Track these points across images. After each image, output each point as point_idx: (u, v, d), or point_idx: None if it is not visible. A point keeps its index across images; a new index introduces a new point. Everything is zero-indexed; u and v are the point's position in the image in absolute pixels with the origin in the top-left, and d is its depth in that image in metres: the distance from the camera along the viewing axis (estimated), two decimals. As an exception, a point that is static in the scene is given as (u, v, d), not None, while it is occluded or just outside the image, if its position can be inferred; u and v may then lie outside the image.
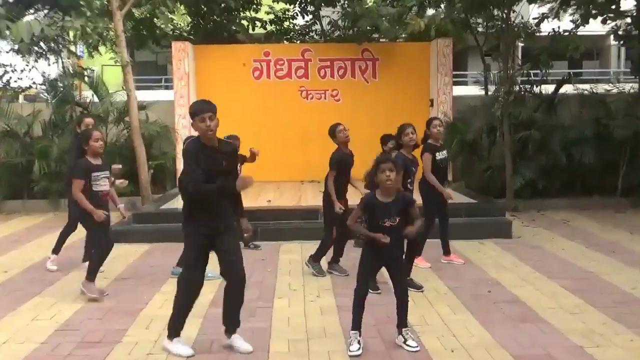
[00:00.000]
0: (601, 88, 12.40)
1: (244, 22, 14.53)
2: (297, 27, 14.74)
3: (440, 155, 6.96)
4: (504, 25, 11.26)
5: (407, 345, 4.66)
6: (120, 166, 6.91)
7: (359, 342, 4.62)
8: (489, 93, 13.07)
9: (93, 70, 13.47)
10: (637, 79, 12.58)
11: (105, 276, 6.81)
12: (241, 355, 4.60)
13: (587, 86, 12.40)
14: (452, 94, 12.24)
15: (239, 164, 6.66)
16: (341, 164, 6.67)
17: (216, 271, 4.93)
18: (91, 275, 6.05)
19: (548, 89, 12.33)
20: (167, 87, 23.02)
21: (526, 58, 12.78)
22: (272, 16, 14.63)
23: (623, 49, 25.27)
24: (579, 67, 25.08)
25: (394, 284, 4.84)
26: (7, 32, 10.22)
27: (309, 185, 11.79)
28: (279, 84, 12.76)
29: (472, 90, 14.84)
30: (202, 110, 4.38)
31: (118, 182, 6.51)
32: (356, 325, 4.71)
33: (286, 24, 14.70)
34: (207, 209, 4.51)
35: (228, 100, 12.43)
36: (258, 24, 14.61)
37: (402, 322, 4.78)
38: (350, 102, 12.72)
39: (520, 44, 16.97)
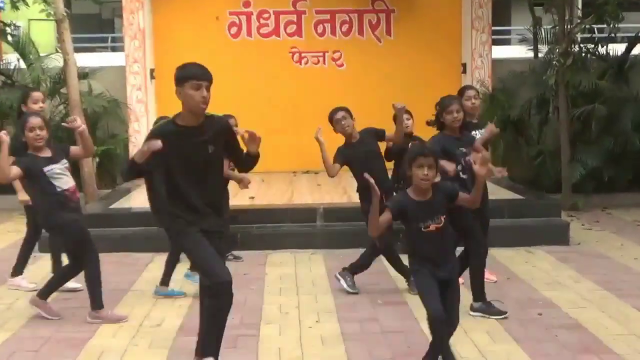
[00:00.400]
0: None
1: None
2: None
3: (478, 134, 7.02)
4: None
5: None
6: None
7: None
8: (540, 55, 13.16)
9: (18, 27, 13.52)
10: None
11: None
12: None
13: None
14: (491, 57, 12.34)
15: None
16: (349, 158, 6.88)
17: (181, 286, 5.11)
18: (45, 294, 6.38)
19: (617, 49, 12.45)
20: (114, 49, 22.97)
21: (589, 8, 12.81)
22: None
23: None
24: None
25: (447, 307, 4.77)
26: None
27: (304, 177, 11.93)
28: (263, 44, 12.89)
29: (518, 51, 14.88)
30: (197, 75, 4.49)
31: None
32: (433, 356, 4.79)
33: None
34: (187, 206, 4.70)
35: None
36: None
37: (433, 356, 4.79)
38: (357, 67, 12.85)
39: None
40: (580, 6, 17.23)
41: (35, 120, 6.11)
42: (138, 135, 12.18)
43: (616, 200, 11.46)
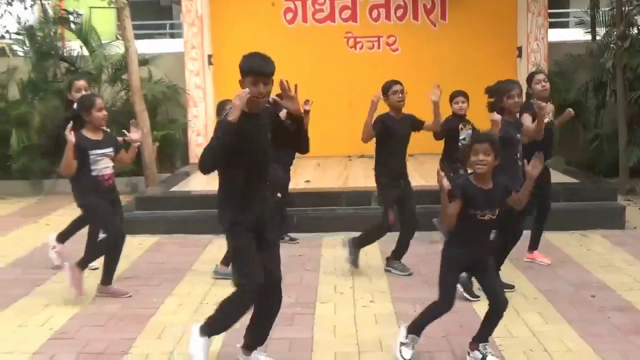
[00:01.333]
0: None
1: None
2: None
3: (547, 118, 7.00)
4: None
5: None
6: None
7: (413, 348, 4.94)
8: (597, 38, 13.03)
9: (80, 15, 13.87)
10: None
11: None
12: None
13: None
14: (547, 40, 12.28)
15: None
16: (387, 130, 6.91)
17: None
18: (84, 264, 6.67)
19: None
20: (172, 35, 23.40)
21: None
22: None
23: None
24: None
25: (487, 290, 4.95)
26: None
27: (358, 162, 12.04)
28: (318, 29, 13.00)
29: (575, 34, 14.74)
30: (255, 70, 4.41)
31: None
32: (416, 329, 4.97)
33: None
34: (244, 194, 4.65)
35: (252, 51, 12.73)
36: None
37: (483, 335, 4.92)
38: (412, 52, 12.89)
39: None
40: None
41: (101, 101, 6.49)
42: (196, 121, 12.46)
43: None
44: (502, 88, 6.39)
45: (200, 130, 12.53)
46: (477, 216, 4.73)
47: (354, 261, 7.25)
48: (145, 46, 13.25)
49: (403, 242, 7.24)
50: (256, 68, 4.41)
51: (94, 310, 6.25)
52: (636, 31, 11.77)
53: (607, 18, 12.67)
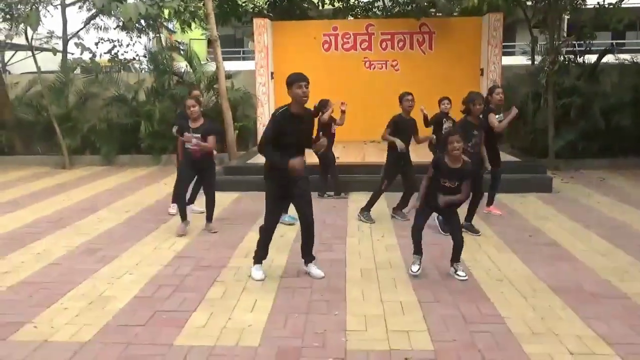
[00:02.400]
0: (632, 58, 12.14)
1: (314, 0, 14.78)
2: (361, 4, 14.86)
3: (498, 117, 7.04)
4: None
5: (457, 275, 5.10)
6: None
7: (419, 264, 5.17)
8: (535, 63, 12.97)
9: (185, 44, 14.05)
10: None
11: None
12: (323, 280, 5.12)
13: (628, 56, 12.14)
14: (501, 64, 12.22)
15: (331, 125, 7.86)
16: (398, 126, 6.98)
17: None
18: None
19: (591, 58, 12.18)
20: (244, 59, 23.54)
21: (571, 30, 12.52)
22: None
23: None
24: (622, 37, 24.14)
25: (451, 231, 5.23)
26: (116, 11, 10.88)
27: (371, 145, 12.14)
28: (345, 55, 13.04)
29: (520, 60, 14.70)
30: (299, 79, 4.79)
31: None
32: (417, 250, 5.21)
33: (352, 0, 14.86)
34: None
35: (301, 69, 12.60)
36: (327, 1, 14.83)
37: (455, 258, 5.19)
38: (409, 71, 12.89)
39: (566, 17, 16.55)
40: (565, 28, 16.84)
41: (189, 101, 6.61)
42: (262, 116, 12.60)
43: (586, 164, 11.32)
44: (471, 98, 6.45)
45: (265, 122, 12.63)
46: (441, 182, 5.03)
47: (368, 218, 7.27)
48: (229, 65, 13.37)
49: (405, 198, 7.33)
50: (300, 78, 4.81)
51: (202, 239, 6.52)
52: (562, 58, 11.71)
53: (542, 49, 12.58)
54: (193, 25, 14.80)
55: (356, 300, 4.65)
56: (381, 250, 6.02)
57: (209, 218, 6.91)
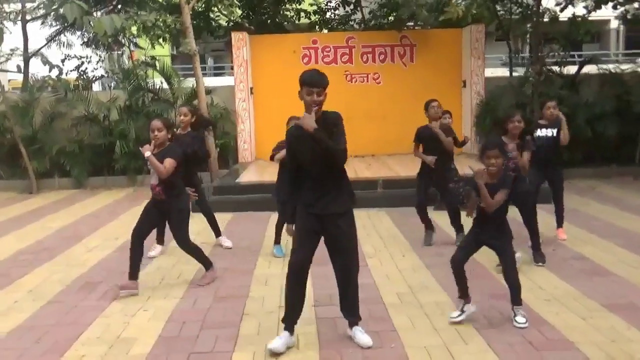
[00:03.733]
0: (613, 68, 12.33)
1: (289, 13, 14.48)
2: (337, 17, 14.65)
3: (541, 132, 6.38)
4: (534, 10, 11.20)
5: (516, 321, 4.25)
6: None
7: (462, 311, 4.37)
8: (514, 74, 13.01)
9: (159, 59, 13.46)
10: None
11: (204, 241, 6.86)
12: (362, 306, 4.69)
13: (611, 66, 12.33)
14: (484, 76, 12.19)
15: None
16: (423, 137, 6.56)
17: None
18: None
19: (570, 69, 12.29)
20: (206, 75, 22.99)
21: (544, 42, 12.63)
22: (315, 7, 14.57)
23: (622, 33, 25.01)
24: (579, 49, 24.84)
25: (504, 268, 4.38)
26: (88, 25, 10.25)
27: (355, 160, 11.85)
28: (326, 69, 12.18)
29: (495, 72, 14.73)
30: (308, 83, 3.83)
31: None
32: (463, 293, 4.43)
33: (328, 14, 14.63)
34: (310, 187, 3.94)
35: (280, 84, 12.46)
36: (302, 14, 14.56)
37: (514, 300, 4.34)
38: (390, 84, 12.69)
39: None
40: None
41: (155, 122, 5.27)
42: (243, 133, 12.16)
43: (573, 173, 11.28)
44: (507, 116, 5.73)
45: (246, 139, 12.22)
46: (479, 203, 4.29)
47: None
48: (208, 81, 12.85)
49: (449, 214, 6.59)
50: (308, 82, 3.83)
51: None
52: (546, 69, 11.76)
53: (522, 60, 12.64)
54: (165, 41, 14.33)
55: (406, 329, 4.27)
56: (409, 272, 5.68)
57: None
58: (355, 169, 10.72)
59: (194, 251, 5.44)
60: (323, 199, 3.92)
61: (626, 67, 12.59)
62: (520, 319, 4.27)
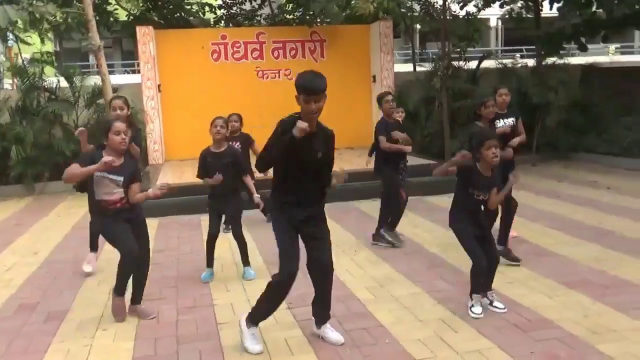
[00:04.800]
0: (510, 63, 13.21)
1: (193, 8, 13.93)
2: (243, 12, 14.31)
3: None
4: (440, 8, 11.67)
5: (495, 306, 4.37)
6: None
7: (481, 305, 4.34)
8: (420, 69, 13.49)
9: (55, 54, 12.40)
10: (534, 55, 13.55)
11: (161, 249, 6.58)
12: (341, 305, 4.61)
13: (506, 61, 13.16)
14: (393, 71, 12.51)
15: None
16: (388, 130, 6.23)
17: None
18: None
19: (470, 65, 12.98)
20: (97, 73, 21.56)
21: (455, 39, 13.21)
22: (220, 1, 14.15)
23: (501, 31, 26.92)
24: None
25: (485, 252, 4.33)
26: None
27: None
28: (236, 65, 12.42)
29: (401, 67, 15.20)
30: (305, 90, 3.57)
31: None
32: (474, 290, 4.37)
33: (234, 8, 14.25)
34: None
35: (189, 81, 12.02)
36: (207, 9, 14.07)
37: (488, 284, 4.43)
38: (301, 79, 12.65)
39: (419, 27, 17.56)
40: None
41: (119, 124, 4.33)
42: (153, 133, 11.53)
43: (479, 161, 11.97)
44: (482, 102, 5.67)
45: (156, 139, 11.59)
46: (474, 196, 4.30)
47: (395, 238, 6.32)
48: (113, 79, 12.00)
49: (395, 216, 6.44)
50: (306, 90, 3.56)
51: (157, 276, 5.62)
52: (455, 64, 12.27)
53: (429, 55, 13.13)
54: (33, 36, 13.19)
55: (393, 324, 4.25)
56: (368, 265, 5.68)
57: (136, 299, 4.65)
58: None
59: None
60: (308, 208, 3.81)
61: (507, 62, 13.45)
62: (498, 304, 4.40)
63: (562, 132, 12.33)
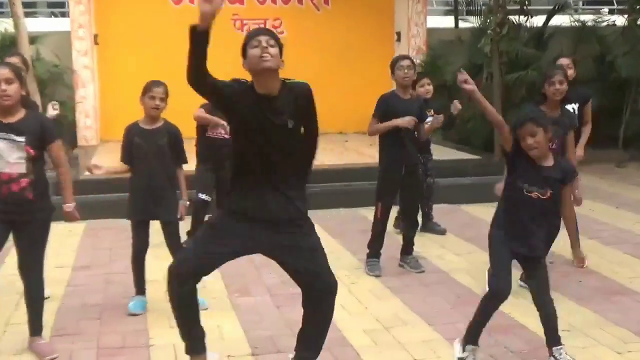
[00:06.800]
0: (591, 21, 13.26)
1: None
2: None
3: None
4: None
5: None
6: None
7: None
8: (465, 25, 13.55)
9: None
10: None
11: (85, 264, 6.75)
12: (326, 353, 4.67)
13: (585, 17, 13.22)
14: (426, 26, 12.57)
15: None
16: (389, 111, 6.23)
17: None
18: None
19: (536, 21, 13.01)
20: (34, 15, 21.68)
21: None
22: None
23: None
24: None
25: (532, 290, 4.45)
26: None
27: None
28: (206, 11, 12.47)
29: (441, 21, 15.16)
30: (252, 33, 3.92)
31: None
32: (472, 338, 4.40)
33: None
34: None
35: (141, 30, 12.09)
36: None
37: (551, 338, 4.36)
38: (296, 35, 12.65)
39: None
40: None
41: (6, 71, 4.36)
42: (85, 101, 11.64)
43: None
44: (547, 74, 5.88)
45: (88, 112, 11.68)
46: (524, 191, 4.25)
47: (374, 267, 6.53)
48: (31, 24, 12.05)
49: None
50: (253, 32, 3.92)
51: (75, 302, 5.70)
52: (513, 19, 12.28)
53: (476, 7, 13.17)
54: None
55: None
56: (372, 300, 5.75)
57: (33, 328, 4.73)
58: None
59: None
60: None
61: (588, 18, 13.49)
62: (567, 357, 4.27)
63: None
